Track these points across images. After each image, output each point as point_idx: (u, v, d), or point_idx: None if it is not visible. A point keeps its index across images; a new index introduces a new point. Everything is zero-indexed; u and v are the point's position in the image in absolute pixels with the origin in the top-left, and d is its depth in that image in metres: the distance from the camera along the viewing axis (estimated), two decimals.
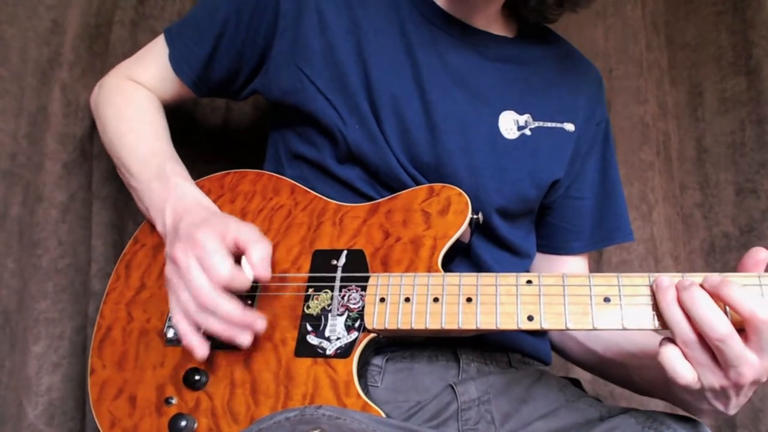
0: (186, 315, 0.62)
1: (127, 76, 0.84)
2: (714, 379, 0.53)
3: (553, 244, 0.90)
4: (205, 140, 1.06)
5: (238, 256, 0.65)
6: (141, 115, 0.81)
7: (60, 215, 0.83)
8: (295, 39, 0.76)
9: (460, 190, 0.70)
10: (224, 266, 0.60)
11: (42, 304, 0.80)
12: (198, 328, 0.62)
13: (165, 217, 0.70)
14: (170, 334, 0.71)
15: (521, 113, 0.79)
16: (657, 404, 1.02)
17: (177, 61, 0.82)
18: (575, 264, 0.90)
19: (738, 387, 0.53)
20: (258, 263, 0.63)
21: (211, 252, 0.61)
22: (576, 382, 0.80)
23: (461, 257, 0.76)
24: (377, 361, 0.71)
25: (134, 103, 0.82)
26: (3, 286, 0.77)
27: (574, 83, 0.86)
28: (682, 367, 0.53)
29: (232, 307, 0.61)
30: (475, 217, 0.70)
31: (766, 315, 0.50)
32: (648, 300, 0.57)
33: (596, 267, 1.22)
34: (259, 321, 0.63)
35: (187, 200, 0.70)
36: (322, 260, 0.70)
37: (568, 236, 0.88)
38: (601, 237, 0.89)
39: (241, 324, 0.62)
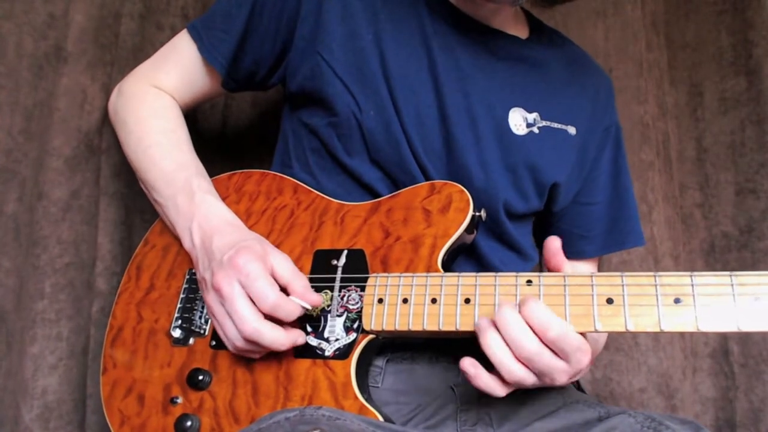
0: (232, 345, 0.63)
1: (147, 82, 0.83)
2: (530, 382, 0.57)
3: (565, 249, 0.90)
4: (204, 139, 1.05)
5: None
6: (164, 126, 0.80)
7: (60, 213, 0.82)
8: (317, 24, 0.77)
9: (462, 187, 0.69)
10: (270, 293, 0.60)
11: (39, 304, 0.79)
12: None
13: (192, 236, 0.69)
14: (176, 333, 0.71)
15: (530, 111, 0.79)
16: (656, 405, 1.02)
17: (209, 50, 0.82)
18: (585, 268, 0.90)
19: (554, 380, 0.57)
20: (303, 292, 0.63)
21: (256, 278, 0.60)
22: (576, 383, 0.80)
23: (466, 257, 0.76)
24: (378, 362, 0.71)
25: (157, 113, 0.81)
26: None
27: (581, 87, 0.86)
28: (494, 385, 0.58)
29: (274, 336, 0.61)
30: (477, 214, 0.68)
31: (554, 333, 0.54)
32: (654, 300, 0.55)
33: None
34: (300, 338, 0.64)
35: (213, 218, 0.70)
36: (323, 260, 0.69)
37: (580, 241, 0.88)
38: (613, 241, 0.89)
39: (282, 349, 0.62)
